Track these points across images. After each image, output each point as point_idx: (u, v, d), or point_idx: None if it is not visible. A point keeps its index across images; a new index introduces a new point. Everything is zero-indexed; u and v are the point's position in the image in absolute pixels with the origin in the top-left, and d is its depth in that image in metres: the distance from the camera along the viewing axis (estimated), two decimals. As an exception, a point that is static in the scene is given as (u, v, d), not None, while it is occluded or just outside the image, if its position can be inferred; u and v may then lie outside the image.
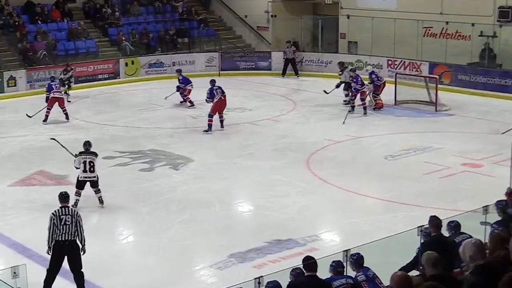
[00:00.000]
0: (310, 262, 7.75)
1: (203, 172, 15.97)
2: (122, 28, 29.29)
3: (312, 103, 23.02)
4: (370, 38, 27.78)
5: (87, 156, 13.38)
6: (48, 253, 10.05)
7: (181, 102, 22.96)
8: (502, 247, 6.25)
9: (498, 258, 6.10)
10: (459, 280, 6.03)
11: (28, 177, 15.68)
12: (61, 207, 10.06)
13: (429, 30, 26.54)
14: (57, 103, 20.62)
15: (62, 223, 9.85)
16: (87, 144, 13.66)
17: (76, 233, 9.90)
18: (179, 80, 23.12)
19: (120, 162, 16.64)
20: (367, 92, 21.63)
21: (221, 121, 19.54)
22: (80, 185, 13.36)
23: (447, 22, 25.91)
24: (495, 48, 24.99)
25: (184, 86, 22.82)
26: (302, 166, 16.19)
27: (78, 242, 9.97)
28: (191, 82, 22.89)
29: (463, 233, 9.01)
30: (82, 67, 26.39)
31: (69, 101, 23.03)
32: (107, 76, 26.67)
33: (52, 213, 10.01)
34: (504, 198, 9.78)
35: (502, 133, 18.17)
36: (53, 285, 9.94)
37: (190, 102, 22.54)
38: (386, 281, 7.13)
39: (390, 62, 26.69)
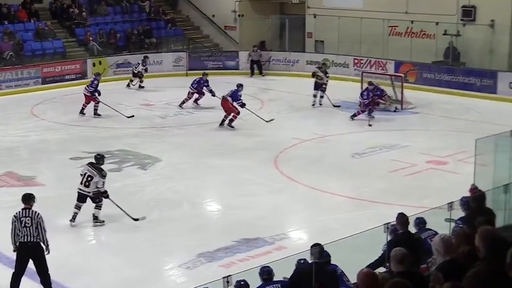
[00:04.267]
0: (315, 249, 7.97)
1: (172, 172, 15.98)
2: (90, 28, 29.13)
3: (280, 102, 23.12)
4: (337, 37, 27.96)
5: (89, 169, 12.62)
6: (14, 251, 9.98)
7: (180, 104, 22.55)
8: (466, 243, 6.36)
9: (462, 254, 6.21)
10: (426, 276, 6.14)
11: (-5, 178, 15.56)
12: (22, 209, 9.97)
13: (395, 29, 26.80)
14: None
15: (22, 225, 9.78)
16: (97, 158, 12.92)
17: (38, 235, 9.81)
18: (205, 84, 22.48)
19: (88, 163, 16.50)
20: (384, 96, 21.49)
21: (223, 120, 19.80)
22: (78, 197, 12.66)
23: (412, 21, 26.19)
24: (459, 46, 25.30)
25: (195, 89, 22.42)
26: (270, 165, 16.26)
27: (42, 244, 9.90)
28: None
29: (429, 229, 9.17)
30: (49, 67, 26.20)
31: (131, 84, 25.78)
32: (75, 77, 26.47)
33: (14, 215, 9.95)
34: (468, 194, 9.95)
35: None
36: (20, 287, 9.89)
37: (183, 103, 22.33)
38: (353, 279, 7.22)
39: (356, 61, 26.90)
